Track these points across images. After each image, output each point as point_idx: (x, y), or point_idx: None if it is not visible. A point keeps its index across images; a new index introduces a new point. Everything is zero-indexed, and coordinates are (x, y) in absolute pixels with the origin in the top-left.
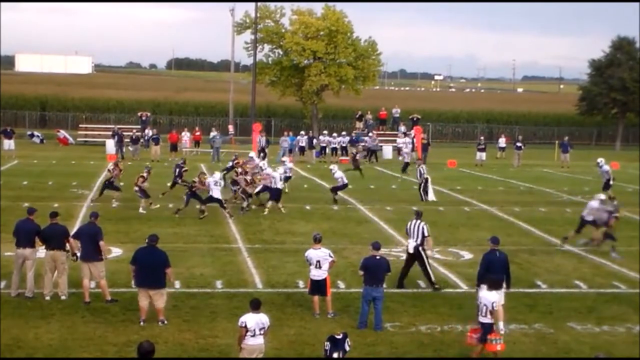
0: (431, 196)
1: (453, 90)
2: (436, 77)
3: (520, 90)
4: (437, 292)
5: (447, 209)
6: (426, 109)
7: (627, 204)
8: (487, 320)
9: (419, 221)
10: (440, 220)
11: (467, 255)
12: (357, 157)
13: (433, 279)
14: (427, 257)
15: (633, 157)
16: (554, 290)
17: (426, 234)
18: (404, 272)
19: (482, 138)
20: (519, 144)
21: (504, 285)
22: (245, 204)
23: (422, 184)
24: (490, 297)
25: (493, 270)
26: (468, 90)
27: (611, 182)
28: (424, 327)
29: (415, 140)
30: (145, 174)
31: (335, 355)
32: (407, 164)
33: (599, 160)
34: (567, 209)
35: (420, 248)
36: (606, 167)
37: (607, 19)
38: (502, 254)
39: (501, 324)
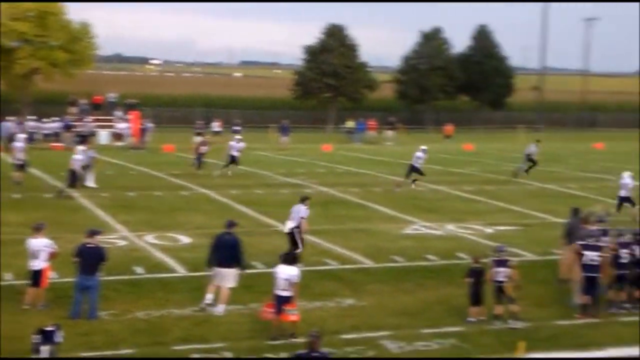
0: (90, 182)
1: (171, 74)
2: (153, 62)
3: (237, 74)
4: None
5: (165, 193)
6: (143, 94)
7: (339, 184)
8: (283, 293)
9: (301, 205)
10: (158, 205)
11: (185, 239)
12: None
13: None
14: (299, 239)
15: (344, 140)
16: (271, 270)
17: (303, 217)
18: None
19: (200, 122)
20: (235, 128)
21: (238, 267)
22: None
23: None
24: (289, 271)
25: (222, 252)
26: (186, 74)
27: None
28: (141, 313)
29: (132, 125)
30: None
31: (44, 347)
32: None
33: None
34: (282, 190)
35: (295, 229)
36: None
37: (320, 6)
38: (233, 237)
39: (222, 306)
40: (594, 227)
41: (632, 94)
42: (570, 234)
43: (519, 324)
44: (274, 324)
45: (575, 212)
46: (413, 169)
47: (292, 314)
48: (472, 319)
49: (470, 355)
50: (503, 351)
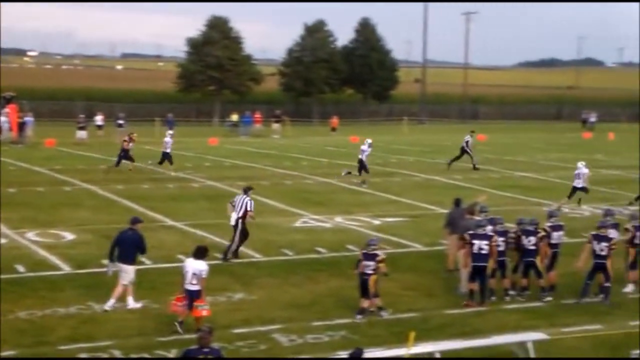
0: None
1: (49, 66)
2: (30, 53)
3: (119, 67)
4: (227, 262)
5: (47, 189)
6: (20, 86)
7: (227, 178)
8: (193, 287)
9: (244, 196)
10: (40, 202)
11: (69, 236)
12: None
13: (232, 249)
14: (241, 230)
15: (230, 133)
16: (158, 265)
17: (249, 209)
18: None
19: (82, 116)
20: (120, 122)
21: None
22: None
23: None
24: (197, 265)
25: (123, 248)
26: (65, 67)
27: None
28: (24, 313)
29: (10, 119)
30: None
31: None
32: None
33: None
34: (169, 184)
35: (240, 220)
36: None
37: None
38: (136, 233)
39: (112, 301)
40: (480, 218)
41: (511, 86)
42: (452, 224)
43: (385, 314)
44: (181, 318)
45: (457, 202)
46: (362, 164)
47: (203, 309)
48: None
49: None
50: (394, 341)
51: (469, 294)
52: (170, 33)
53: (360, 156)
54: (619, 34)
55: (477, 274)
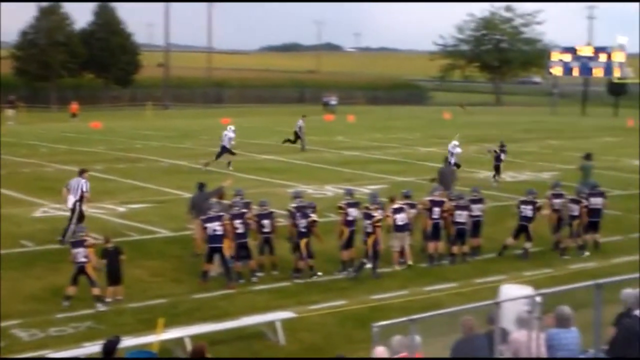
0: None
1: None
2: None
3: None
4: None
5: None
6: None
7: None
8: None
9: (80, 179)
10: None
11: None
12: None
13: (68, 233)
14: (79, 213)
15: None
16: None
17: (85, 190)
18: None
19: None
20: None
21: None
22: None
23: None
24: None
25: None
26: None
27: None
28: None
29: None
30: None
31: None
32: None
33: None
34: None
35: (77, 203)
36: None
37: None
38: None
39: None
40: (230, 201)
41: (255, 70)
42: (196, 208)
43: (102, 307)
44: None
45: (201, 186)
46: (224, 150)
47: None
48: (109, 299)
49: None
50: (142, 329)
51: (202, 275)
52: None
53: (224, 143)
54: (355, 19)
55: (213, 254)
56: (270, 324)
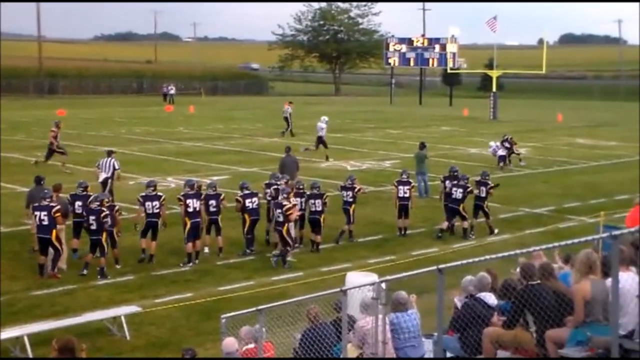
0: None
1: None
2: None
3: None
4: None
5: None
6: None
7: None
8: None
9: (110, 158)
10: None
11: None
12: None
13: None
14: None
15: None
16: None
17: (117, 167)
18: None
19: None
20: None
21: None
22: None
23: None
24: None
25: None
26: None
27: None
28: None
29: None
30: None
31: None
32: None
33: None
34: None
35: (110, 180)
36: None
37: None
38: None
39: None
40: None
41: (90, 60)
42: (32, 202)
43: None
44: None
45: (38, 180)
46: (320, 141)
47: None
48: None
49: None
50: None
51: (39, 269)
52: None
53: (319, 134)
54: (193, 9)
55: (46, 246)
56: (115, 319)
